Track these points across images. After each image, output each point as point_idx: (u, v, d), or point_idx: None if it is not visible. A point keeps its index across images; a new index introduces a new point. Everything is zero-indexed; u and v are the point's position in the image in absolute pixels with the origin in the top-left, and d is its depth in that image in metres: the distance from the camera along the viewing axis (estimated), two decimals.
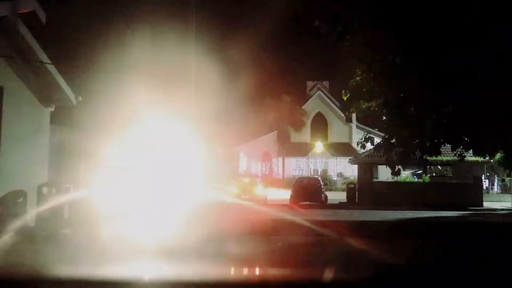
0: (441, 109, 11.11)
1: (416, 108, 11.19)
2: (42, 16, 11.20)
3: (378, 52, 11.21)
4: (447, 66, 10.11)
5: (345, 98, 12.03)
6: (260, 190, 30.61)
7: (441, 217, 20.54)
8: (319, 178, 31.64)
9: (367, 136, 12.29)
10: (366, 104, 11.89)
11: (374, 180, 30.07)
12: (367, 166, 29.52)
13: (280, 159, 49.62)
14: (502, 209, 25.81)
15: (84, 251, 10.02)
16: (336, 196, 35.81)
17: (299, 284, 3.18)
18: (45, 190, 11.36)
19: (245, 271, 4.11)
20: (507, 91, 9.73)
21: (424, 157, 11.68)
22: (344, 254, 7.43)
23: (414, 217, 21.03)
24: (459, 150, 11.55)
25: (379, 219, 18.81)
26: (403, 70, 10.76)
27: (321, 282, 3.08)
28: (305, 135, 52.88)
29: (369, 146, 12.11)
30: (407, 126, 11.36)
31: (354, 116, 14.99)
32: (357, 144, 12.47)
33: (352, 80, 11.87)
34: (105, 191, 11.80)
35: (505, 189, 39.55)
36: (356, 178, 33.92)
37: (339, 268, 4.05)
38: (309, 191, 28.41)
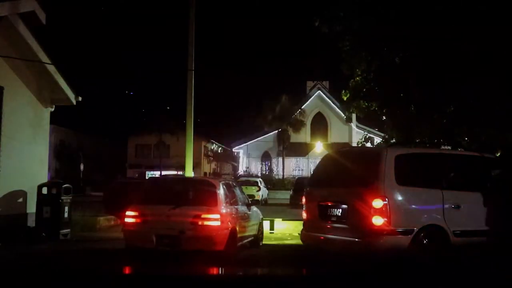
0: (441, 109, 11.10)
1: (416, 108, 11.18)
2: (42, 16, 11.20)
3: (378, 51, 11.21)
4: (447, 66, 10.11)
5: (345, 98, 12.02)
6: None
7: None
8: None
9: (367, 136, 12.30)
10: (366, 104, 11.87)
11: None
12: None
13: (280, 159, 49.57)
14: None
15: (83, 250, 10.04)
16: None
17: None
18: (45, 190, 11.37)
19: None
20: (506, 90, 9.73)
21: None
22: None
23: None
24: (459, 150, 11.53)
25: None
26: (403, 70, 10.76)
27: None
28: (305, 135, 52.84)
29: (369, 146, 12.10)
30: (407, 126, 11.35)
31: (354, 116, 15.01)
32: (357, 144, 12.46)
33: (352, 80, 11.86)
34: None
35: None
36: None
37: None
38: None
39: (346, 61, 11.78)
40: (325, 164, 8.64)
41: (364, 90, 11.75)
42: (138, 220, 8.93)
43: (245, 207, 10.39)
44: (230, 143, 58.45)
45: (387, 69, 11.19)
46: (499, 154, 10.21)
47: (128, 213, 8.97)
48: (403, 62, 10.92)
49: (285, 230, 13.89)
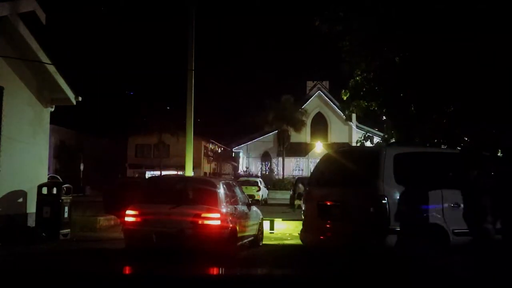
0: (441, 109, 11.10)
1: (415, 108, 11.18)
2: (42, 16, 11.21)
3: (378, 51, 11.21)
4: (447, 66, 10.11)
5: (344, 98, 12.01)
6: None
7: None
8: None
9: (366, 135, 12.28)
10: (366, 104, 11.86)
11: None
12: None
13: (280, 159, 49.58)
14: None
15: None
16: None
17: None
18: (45, 190, 11.37)
19: None
20: (507, 90, 9.73)
21: None
22: None
23: None
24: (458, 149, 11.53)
25: None
26: (403, 70, 10.75)
27: None
28: (305, 135, 52.84)
29: (368, 145, 12.09)
30: (407, 126, 11.35)
31: (354, 116, 15.02)
32: (357, 143, 12.45)
33: (352, 80, 11.85)
34: None
35: None
36: None
37: None
38: None
39: (346, 61, 11.78)
40: (325, 164, 8.64)
41: (364, 89, 11.75)
42: (138, 219, 8.94)
43: (245, 207, 10.39)
44: (230, 143, 58.42)
45: (387, 69, 11.18)
46: (500, 153, 10.20)
47: (128, 212, 8.97)
48: (403, 62, 10.92)
49: (285, 230, 13.89)
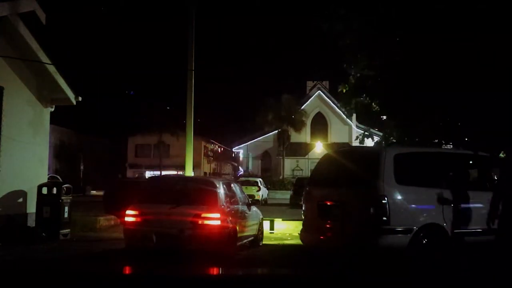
0: (441, 109, 11.09)
1: (416, 107, 11.18)
2: (42, 16, 11.21)
3: (379, 51, 11.21)
4: (447, 66, 10.10)
5: (344, 91, 11.97)
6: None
7: None
8: None
9: (366, 133, 12.29)
10: (367, 101, 11.86)
11: None
12: None
13: (280, 159, 49.56)
14: None
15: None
16: None
17: None
18: (45, 190, 11.37)
19: None
20: (507, 89, 9.73)
21: None
22: None
23: None
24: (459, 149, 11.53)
25: None
26: (403, 69, 10.75)
27: None
28: (305, 135, 52.82)
29: (369, 142, 12.10)
30: (407, 126, 11.36)
31: (354, 116, 14.97)
32: (356, 139, 12.45)
33: (351, 77, 11.85)
34: None
35: None
36: None
37: None
38: None
39: (347, 60, 11.78)
40: (325, 164, 8.64)
41: (364, 88, 11.76)
42: (138, 219, 8.94)
43: (245, 207, 10.39)
44: (230, 143, 58.46)
45: (387, 68, 11.18)
46: (501, 154, 10.20)
47: (128, 212, 8.97)
48: (404, 62, 10.92)
49: (285, 230, 13.89)
